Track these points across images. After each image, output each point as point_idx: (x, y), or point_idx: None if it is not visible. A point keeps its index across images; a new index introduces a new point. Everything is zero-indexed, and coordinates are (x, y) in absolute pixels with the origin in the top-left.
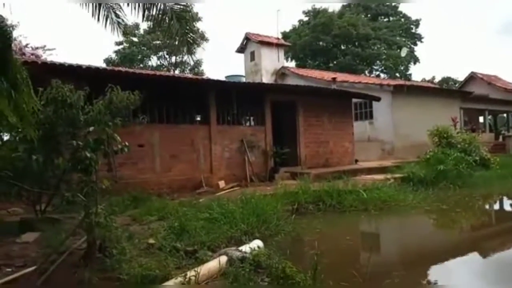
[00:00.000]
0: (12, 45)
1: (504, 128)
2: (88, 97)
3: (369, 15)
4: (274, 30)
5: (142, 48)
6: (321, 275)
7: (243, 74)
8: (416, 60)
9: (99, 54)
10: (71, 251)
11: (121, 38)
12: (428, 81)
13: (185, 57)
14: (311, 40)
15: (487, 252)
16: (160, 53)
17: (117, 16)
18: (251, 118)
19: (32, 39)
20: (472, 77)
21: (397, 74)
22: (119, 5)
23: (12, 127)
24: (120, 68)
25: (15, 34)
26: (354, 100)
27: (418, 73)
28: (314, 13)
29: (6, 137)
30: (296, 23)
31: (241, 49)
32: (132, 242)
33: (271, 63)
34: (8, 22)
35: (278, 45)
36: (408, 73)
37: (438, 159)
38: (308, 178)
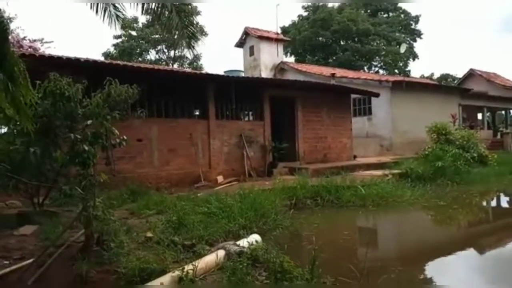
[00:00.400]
0: (10, 37)
1: (502, 125)
2: (86, 90)
3: (368, 11)
4: (273, 25)
5: (141, 42)
6: (319, 269)
7: (242, 69)
8: (415, 56)
9: (98, 47)
10: (69, 244)
11: (119, 32)
12: (427, 77)
13: (184, 51)
14: (310, 36)
15: (483, 248)
16: (159, 47)
17: (116, 8)
18: (250, 113)
19: (30, 32)
20: (471, 74)
21: (396, 70)
22: None
23: (10, 120)
24: (119, 62)
25: (12, 26)
26: (353, 96)
27: (417, 70)
28: (314, 8)
29: (3, 130)
30: (296, 18)
31: (240, 44)
32: (130, 235)
33: (270, 58)
34: (5, 15)
35: (277, 40)
36: (407, 69)
37: (436, 156)
38: (307, 173)
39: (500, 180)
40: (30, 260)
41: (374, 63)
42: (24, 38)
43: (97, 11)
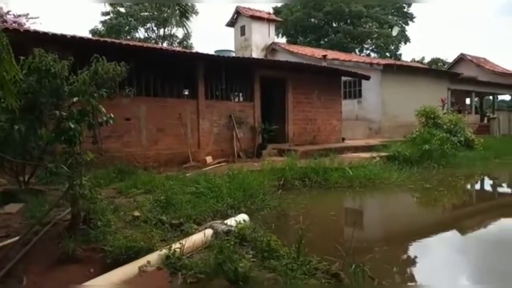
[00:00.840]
0: None
1: (490, 110)
2: (73, 67)
3: None
4: (266, 4)
5: (130, 19)
6: (305, 248)
7: (233, 49)
8: (407, 39)
9: (85, 25)
10: (55, 222)
11: (108, 8)
12: (418, 61)
13: (174, 30)
14: (302, 17)
15: (466, 229)
16: (148, 25)
17: None
18: (240, 93)
19: (14, 7)
20: (461, 59)
21: (388, 54)
22: None
23: None
24: (106, 39)
25: None
26: (343, 78)
27: (408, 53)
28: None
29: None
30: None
31: (231, 23)
32: (117, 214)
33: (261, 39)
34: None
35: (269, 20)
36: (398, 52)
37: (423, 139)
38: (295, 155)
39: (485, 164)
40: (16, 238)
41: (366, 46)
42: (8, 13)
43: None
